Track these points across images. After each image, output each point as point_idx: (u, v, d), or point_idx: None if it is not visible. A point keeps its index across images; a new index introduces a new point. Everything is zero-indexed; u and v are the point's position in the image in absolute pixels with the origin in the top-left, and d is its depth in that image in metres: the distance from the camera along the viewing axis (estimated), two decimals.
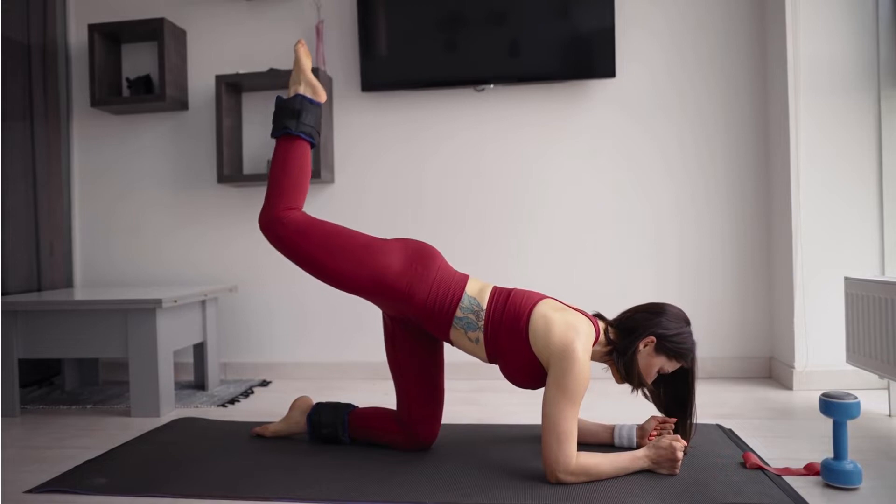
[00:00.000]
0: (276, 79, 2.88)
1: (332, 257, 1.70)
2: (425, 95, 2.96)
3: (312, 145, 1.83)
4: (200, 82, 3.09)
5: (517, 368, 1.67)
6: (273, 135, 1.81)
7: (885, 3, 2.47)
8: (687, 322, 1.66)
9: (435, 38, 2.84)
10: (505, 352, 1.67)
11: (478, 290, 1.71)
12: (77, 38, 3.16)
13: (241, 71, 3.04)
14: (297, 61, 1.85)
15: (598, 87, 2.87)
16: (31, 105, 2.91)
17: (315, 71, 2.82)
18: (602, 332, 1.67)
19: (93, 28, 2.93)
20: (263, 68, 3.03)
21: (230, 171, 2.92)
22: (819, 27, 2.53)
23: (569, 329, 1.57)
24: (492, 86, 2.86)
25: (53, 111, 3.04)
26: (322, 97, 1.85)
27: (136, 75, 3.09)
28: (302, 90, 1.84)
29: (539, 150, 2.91)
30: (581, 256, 2.89)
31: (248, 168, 3.06)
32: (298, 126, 1.78)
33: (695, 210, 2.84)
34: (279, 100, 1.83)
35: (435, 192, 2.97)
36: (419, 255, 1.72)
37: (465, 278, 1.74)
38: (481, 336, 1.68)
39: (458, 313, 1.68)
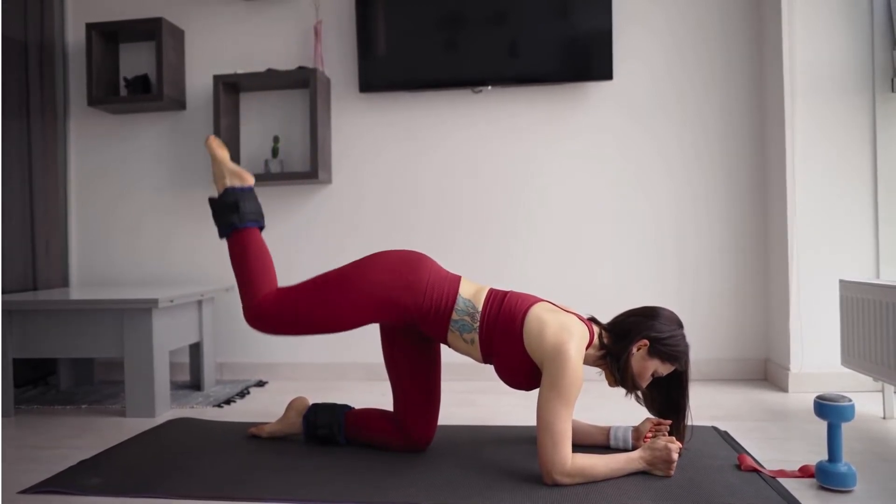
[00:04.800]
0: (275, 79, 2.88)
1: (327, 312, 1.69)
2: (423, 96, 2.96)
3: (261, 228, 1.83)
4: (198, 82, 3.09)
5: (511, 369, 1.67)
6: (221, 235, 1.81)
7: (880, 8, 2.49)
8: (680, 325, 1.66)
9: (433, 38, 2.84)
10: (499, 353, 1.67)
11: (473, 293, 1.72)
12: (74, 36, 3.15)
13: (240, 71, 3.04)
14: (212, 157, 1.85)
15: (595, 89, 2.88)
16: (27, 104, 2.90)
17: (313, 71, 2.82)
18: (596, 335, 1.68)
19: (90, 27, 2.92)
20: (262, 68, 3.03)
21: None
22: (815, 30, 2.54)
23: (562, 331, 1.57)
24: (489, 87, 2.86)
25: (50, 110, 3.03)
26: (250, 180, 1.84)
27: (133, 75, 3.09)
28: (229, 182, 1.83)
29: (536, 151, 2.91)
30: (579, 257, 2.89)
31: (245, 168, 3.05)
32: (242, 218, 1.79)
33: (692, 212, 2.84)
34: (212, 201, 1.82)
35: (432, 192, 2.97)
36: (406, 263, 1.73)
37: (457, 279, 1.74)
38: (476, 337, 1.68)
39: (454, 316, 1.68)
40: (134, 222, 3.13)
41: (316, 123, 2.82)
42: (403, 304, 1.69)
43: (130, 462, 1.79)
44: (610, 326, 1.69)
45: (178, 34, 3.04)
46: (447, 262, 2.94)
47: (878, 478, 1.60)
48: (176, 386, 2.84)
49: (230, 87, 2.95)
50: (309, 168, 2.94)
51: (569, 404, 1.53)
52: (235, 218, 1.79)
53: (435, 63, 2.84)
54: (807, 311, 2.54)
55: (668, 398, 1.73)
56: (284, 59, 3.03)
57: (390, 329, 1.82)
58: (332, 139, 3.02)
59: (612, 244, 2.88)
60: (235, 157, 3.00)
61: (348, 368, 2.97)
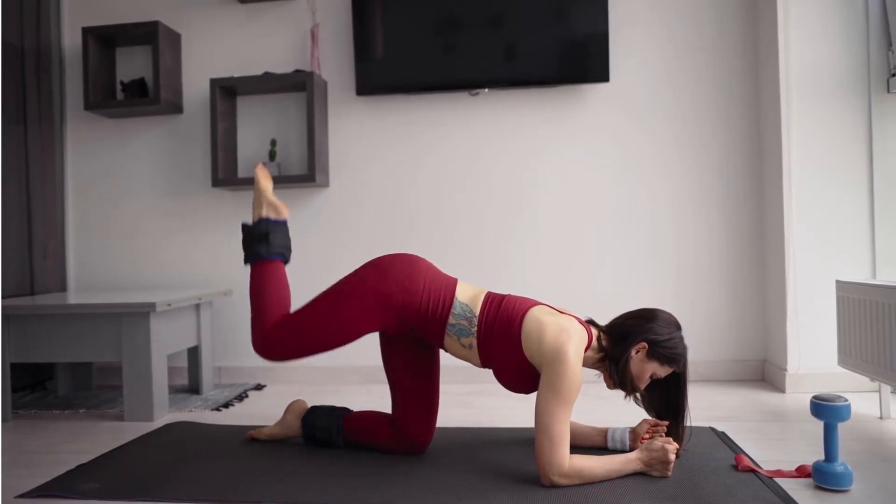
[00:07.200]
0: (271, 82, 2.88)
1: (328, 327, 1.69)
2: (420, 99, 2.97)
3: (285, 262, 1.85)
4: (195, 86, 3.09)
5: (510, 373, 1.67)
6: (247, 262, 1.82)
7: (875, 9, 2.50)
8: (678, 327, 1.67)
9: (430, 41, 2.85)
10: (498, 356, 1.67)
11: (470, 297, 1.72)
12: (71, 41, 3.15)
13: (236, 75, 3.05)
14: (256, 184, 1.88)
15: (592, 91, 2.88)
16: (24, 108, 2.90)
17: (309, 75, 2.83)
18: (594, 338, 1.68)
19: (87, 31, 2.92)
20: (258, 72, 3.04)
21: (225, 175, 2.92)
22: (811, 31, 2.55)
23: (561, 333, 1.58)
24: (487, 90, 2.87)
25: (47, 114, 3.03)
26: (285, 214, 1.87)
27: (130, 79, 3.09)
28: (265, 213, 1.85)
29: (534, 153, 2.92)
30: (577, 259, 2.90)
31: (242, 172, 3.06)
32: (270, 249, 1.81)
33: (690, 213, 2.85)
34: (246, 227, 1.85)
35: (430, 195, 2.97)
36: (401, 266, 1.73)
37: (453, 283, 1.74)
38: (474, 342, 1.68)
39: (451, 320, 1.69)
40: (132, 226, 3.13)
41: (313, 127, 2.82)
42: (401, 309, 1.69)
43: (129, 466, 1.79)
44: (608, 329, 1.69)
45: (175, 38, 3.04)
46: (445, 264, 2.95)
47: (874, 477, 1.60)
48: (174, 390, 2.83)
49: (227, 91, 2.96)
50: (306, 171, 2.95)
51: (567, 406, 1.53)
52: (264, 248, 1.80)
53: (432, 66, 2.85)
54: (804, 312, 2.55)
55: (666, 400, 1.74)
56: (281, 63, 3.03)
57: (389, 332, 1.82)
58: (330, 142, 3.02)
59: (611, 246, 2.89)
60: (233, 161, 3.01)
61: (346, 372, 2.97)
